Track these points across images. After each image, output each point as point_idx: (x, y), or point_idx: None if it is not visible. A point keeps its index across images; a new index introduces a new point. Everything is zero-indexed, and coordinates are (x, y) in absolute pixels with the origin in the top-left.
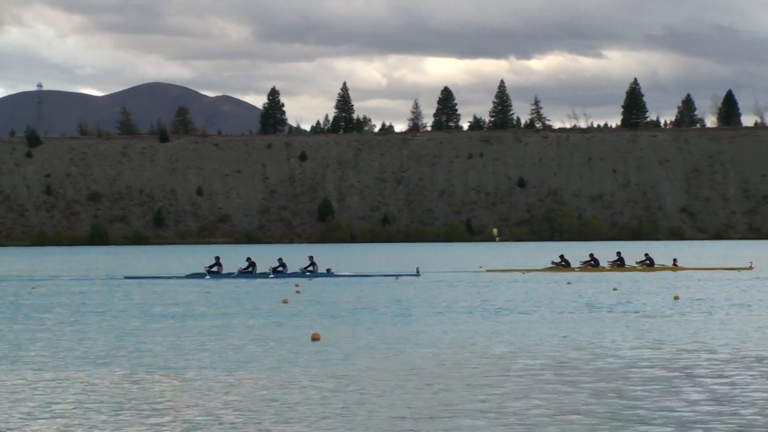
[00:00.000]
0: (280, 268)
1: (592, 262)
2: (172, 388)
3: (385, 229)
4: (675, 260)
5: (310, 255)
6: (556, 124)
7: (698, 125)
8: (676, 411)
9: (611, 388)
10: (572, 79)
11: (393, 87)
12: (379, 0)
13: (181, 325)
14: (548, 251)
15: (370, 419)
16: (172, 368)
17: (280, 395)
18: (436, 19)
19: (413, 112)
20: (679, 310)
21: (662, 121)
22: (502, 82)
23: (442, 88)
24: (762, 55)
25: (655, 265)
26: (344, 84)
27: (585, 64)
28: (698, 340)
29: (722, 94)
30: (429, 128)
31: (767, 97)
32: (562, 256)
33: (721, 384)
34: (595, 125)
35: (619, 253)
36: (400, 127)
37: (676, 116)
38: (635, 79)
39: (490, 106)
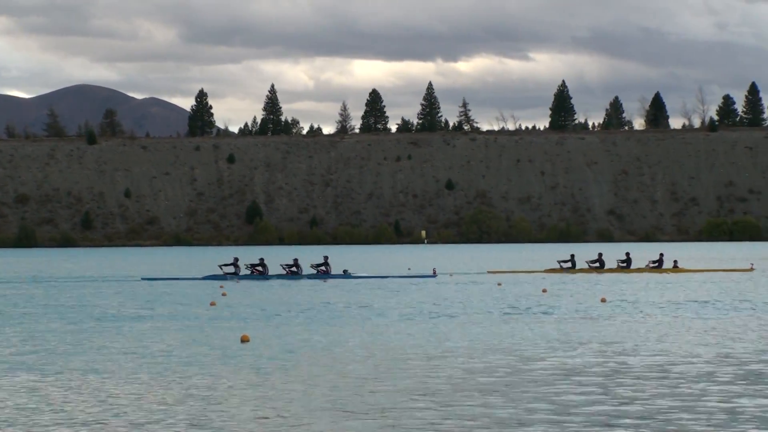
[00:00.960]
0: (294, 269)
1: (599, 264)
2: (96, 392)
3: (313, 231)
4: (675, 261)
5: (325, 255)
6: (484, 127)
7: (626, 127)
8: (568, 411)
9: (493, 390)
10: (499, 81)
11: (320, 89)
12: (305, 2)
13: (105, 327)
14: (477, 253)
15: (297, 419)
16: (96, 372)
17: (209, 396)
18: (362, 22)
19: (341, 115)
20: (599, 311)
21: (590, 124)
22: (430, 84)
23: (370, 90)
24: (688, 57)
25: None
26: (272, 86)
27: (512, 66)
28: (605, 341)
29: (650, 97)
30: (357, 130)
31: (694, 100)
32: (572, 256)
33: (612, 386)
34: (523, 127)
35: (627, 254)
36: (328, 129)
37: (604, 118)
38: (563, 81)
39: (418, 109)
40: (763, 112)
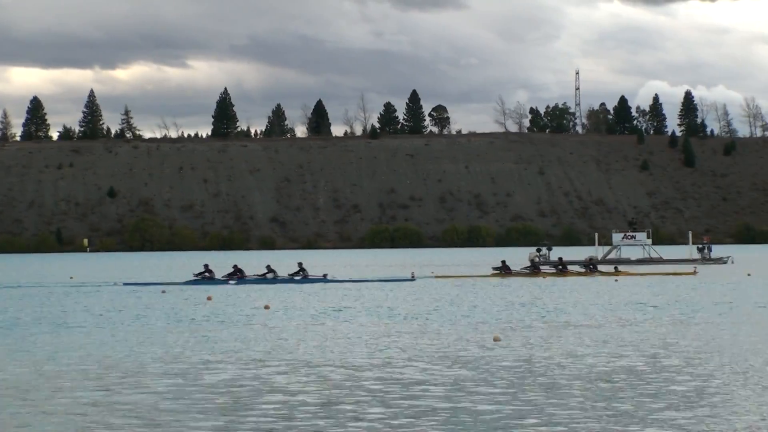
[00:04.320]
0: (270, 274)
1: (531, 267)
2: None
3: None
4: (616, 267)
5: (299, 261)
6: (147, 134)
7: (289, 135)
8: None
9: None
10: (159, 89)
11: None
12: None
13: None
14: (139, 261)
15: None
16: None
17: None
18: (16, 28)
19: (2, 123)
20: (252, 318)
21: (253, 131)
22: (92, 92)
23: (29, 98)
24: (346, 65)
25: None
26: None
27: (171, 74)
28: (239, 348)
29: (312, 105)
30: (18, 138)
31: (356, 107)
32: (503, 262)
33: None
34: (185, 135)
35: (560, 258)
36: None
37: (267, 126)
38: (225, 89)
39: (79, 116)
40: (424, 120)
